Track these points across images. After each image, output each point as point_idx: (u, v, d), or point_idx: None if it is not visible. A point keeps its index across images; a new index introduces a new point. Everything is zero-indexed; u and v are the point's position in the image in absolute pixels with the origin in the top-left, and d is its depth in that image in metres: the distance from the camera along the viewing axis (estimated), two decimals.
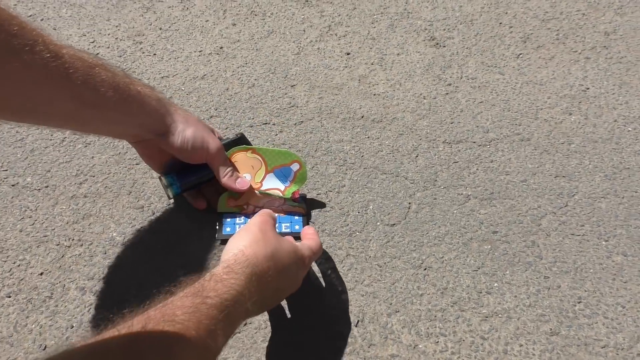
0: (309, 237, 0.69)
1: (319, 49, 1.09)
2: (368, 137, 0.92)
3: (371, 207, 0.82)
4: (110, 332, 0.40)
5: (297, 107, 0.97)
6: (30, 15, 1.13)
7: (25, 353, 0.65)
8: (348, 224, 0.80)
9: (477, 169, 0.87)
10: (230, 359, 0.66)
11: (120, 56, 1.05)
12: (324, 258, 0.76)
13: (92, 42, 1.08)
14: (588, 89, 1.00)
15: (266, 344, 0.68)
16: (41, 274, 0.74)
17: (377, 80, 1.02)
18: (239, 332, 0.69)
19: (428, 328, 0.70)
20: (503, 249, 0.78)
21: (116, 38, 1.09)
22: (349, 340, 0.68)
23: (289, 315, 0.70)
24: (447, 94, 1.00)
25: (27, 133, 0.91)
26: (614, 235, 0.79)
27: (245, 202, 0.78)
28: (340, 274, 0.75)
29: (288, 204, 0.78)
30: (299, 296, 0.72)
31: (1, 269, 0.74)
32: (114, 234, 0.78)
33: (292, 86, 1.01)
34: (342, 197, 0.83)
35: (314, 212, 0.81)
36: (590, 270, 0.75)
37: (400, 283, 0.74)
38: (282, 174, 0.78)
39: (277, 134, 0.92)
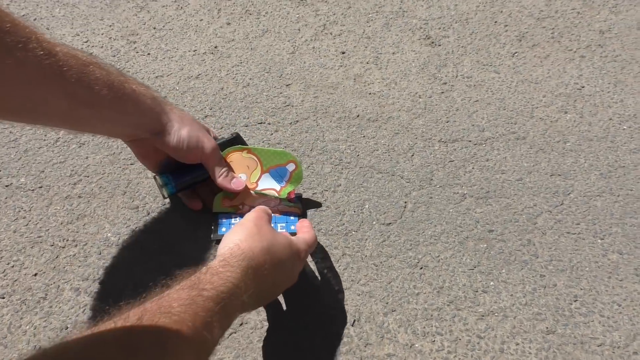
0: (304, 230, 0.69)
1: (314, 48, 1.08)
2: (364, 136, 0.92)
3: (367, 206, 0.82)
4: (107, 324, 0.40)
5: (293, 106, 0.97)
6: (23, 15, 1.12)
7: (20, 354, 0.65)
8: (344, 223, 0.80)
9: (473, 168, 0.87)
10: (226, 359, 0.66)
11: (114, 56, 1.05)
12: (320, 257, 0.76)
13: (86, 42, 1.07)
14: (583, 87, 1.01)
15: (262, 344, 0.67)
16: (35, 274, 0.73)
17: (372, 79, 1.02)
18: (235, 332, 0.68)
19: (424, 327, 0.69)
20: (499, 248, 0.77)
21: (110, 38, 1.09)
22: (346, 339, 0.68)
23: (285, 315, 0.70)
24: (442, 92, 1.00)
25: (21, 133, 0.90)
26: (610, 234, 0.79)
27: (241, 202, 0.77)
28: (337, 273, 0.74)
29: (284, 204, 0.78)
30: (296, 296, 0.72)
31: None
32: (109, 235, 0.78)
33: (287, 85, 1.00)
34: (338, 197, 0.83)
35: (310, 212, 0.81)
36: (586, 269, 0.75)
37: (396, 282, 0.74)
38: (278, 174, 0.77)
39: (272, 134, 0.92)
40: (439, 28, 1.13)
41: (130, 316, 0.41)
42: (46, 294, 0.71)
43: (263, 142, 0.90)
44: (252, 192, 0.77)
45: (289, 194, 0.77)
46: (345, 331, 0.69)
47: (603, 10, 1.16)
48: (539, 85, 1.01)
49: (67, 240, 0.77)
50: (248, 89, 0.99)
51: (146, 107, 0.65)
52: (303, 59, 1.06)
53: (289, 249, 0.61)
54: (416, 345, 0.68)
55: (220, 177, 0.73)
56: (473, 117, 0.95)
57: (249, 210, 0.76)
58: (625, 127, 0.93)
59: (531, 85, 1.01)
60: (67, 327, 0.68)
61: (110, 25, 1.11)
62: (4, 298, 0.70)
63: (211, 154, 0.71)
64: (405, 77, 1.02)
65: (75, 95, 0.57)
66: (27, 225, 0.78)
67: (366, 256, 0.76)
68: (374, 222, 0.80)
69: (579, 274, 0.75)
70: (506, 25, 1.13)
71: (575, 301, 0.72)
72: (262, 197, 0.78)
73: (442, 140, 0.91)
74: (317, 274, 0.74)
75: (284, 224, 0.77)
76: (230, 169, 0.75)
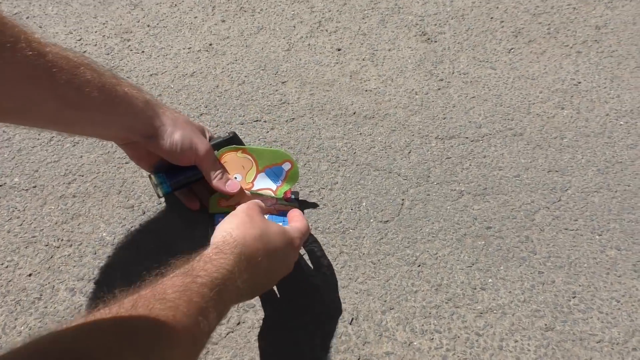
0: (296, 219, 0.69)
1: (309, 45, 1.08)
2: (360, 134, 0.91)
3: (364, 204, 0.81)
4: (101, 312, 0.40)
5: (288, 104, 0.96)
6: (15, 13, 1.11)
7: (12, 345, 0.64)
8: (341, 221, 0.79)
9: (470, 165, 0.87)
10: (223, 359, 0.66)
11: (108, 54, 1.04)
12: (318, 255, 0.75)
13: (79, 40, 1.06)
14: (580, 83, 1.00)
15: (260, 343, 0.67)
16: (30, 275, 0.72)
17: (368, 76, 1.02)
18: (232, 332, 0.68)
19: (423, 325, 0.69)
20: (497, 245, 0.77)
21: (103, 36, 1.08)
22: (344, 338, 0.68)
23: (283, 314, 0.70)
24: (439, 89, 0.99)
25: (14, 132, 0.89)
26: (608, 230, 0.79)
27: (237, 203, 0.76)
28: (334, 271, 0.74)
29: (280, 203, 0.77)
30: (293, 294, 0.71)
31: None
32: (104, 234, 0.77)
33: (282, 83, 1.00)
34: (335, 195, 0.82)
35: (307, 211, 0.80)
36: (584, 265, 0.75)
37: (394, 280, 0.73)
38: (274, 174, 0.77)
39: (268, 131, 0.91)
40: (435, 24, 1.12)
41: (125, 303, 0.42)
42: (41, 295, 0.71)
43: (259, 140, 0.90)
44: (247, 192, 0.76)
45: (285, 193, 0.76)
46: (343, 329, 0.69)
47: (599, 6, 1.16)
48: (535, 81, 1.01)
49: (62, 240, 0.76)
50: (243, 86, 0.99)
51: (138, 110, 0.64)
52: (299, 56, 1.05)
53: (282, 237, 0.61)
54: (414, 343, 0.68)
55: (215, 180, 0.72)
56: (470, 114, 0.95)
57: None
58: (622, 123, 0.93)
59: (528, 81, 1.01)
60: None
61: (103, 23, 1.10)
62: None
63: (205, 156, 0.70)
64: (402, 73, 1.02)
65: (64, 96, 0.56)
66: (21, 225, 0.77)
67: (364, 254, 0.76)
68: (372, 220, 0.80)
69: (577, 271, 0.75)
70: (502, 21, 1.13)
71: (573, 298, 0.72)
72: (258, 197, 0.77)
73: (439, 137, 0.91)
74: (314, 272, 0.74)
75: (281, 223, 0.76)
76: (225, 171, 0.74)
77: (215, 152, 0.74)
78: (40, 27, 1.08)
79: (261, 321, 0.69)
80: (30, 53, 0.51)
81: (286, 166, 0.76)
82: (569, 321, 0.70)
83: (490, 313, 0.70)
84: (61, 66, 0.54)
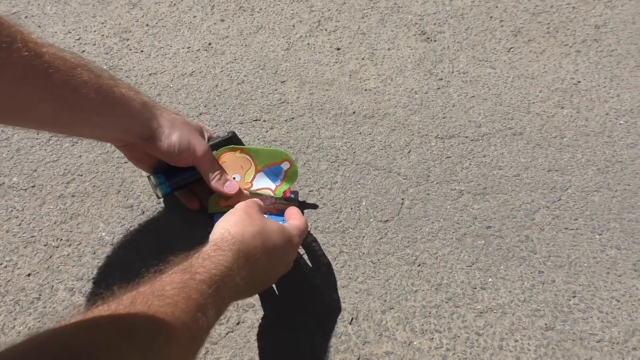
0: (294, 217, 0.69)
1: (309, 44, 1.07)
2: (360, 133, 0.91)
3: (364, 203, 0.81)
4: (100, 309, 0.40)
5: (288, 103, 0.96)
6: (14, 13, 1.11)
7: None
8: (341, 221, 0.79)
9: (470, 164, 0.87)
10: (223, 358, 0.66)
11: (107, 53, 1.03)
12: (318, 254, 0.75)
13: (78, 40, 1.06)
14: (579, 82, 1.00)
15: (259, 343, 0.67)
16: (29, 275, 0.72)
17: (368, 75, 1.01)
18: (232, 332, 0.68)
19: (423, 325, 0.69)
20: (497, 244, 0.77)
21: (102, 35, 1.08)
22: (344, 337, 0.68)
23: (282, 314, 0.70)
24: (438, 88, 0.99)
25: (13, 132, 0.89)
26: (608, 229, 0.79)
27: (236, 203, 0.76)
28: (334, 271, 0.74)
29: (279, 203, 0.77)
30: (293, 294, 0.71)
31: None
32: (103, 234, 0.77)
33: (282, 82, 1.00)
34: (335, 194, 0.82)
35: (307, 210, 0.80)
36: (585, 264, 0.75)
37: (394, 280, 0.73)
38: (273, 173, 0.76)
39: (267, 131, 0.91)
40: (435, 23, 1.12)
41: (123, 300, 0.41)
42: (40, 295, 0.70)
43: (258, 139, 0.90)
44: (246, 192, 0.76)
45: (284, 192, 0.76)
46: (343, 329, 0.68)
47: (598, 5, 1.16)
48: (535, 80, 1.01)
49: (61, 239, 0.76)
50: (243, 86, 0.99)
51: (135, 112, 0.64)
52: (298, 56, 1.05)
53: (281, 234, 0.61)
54: (414, 342, 0.67)
55: (214, 181, 0.71)
56: (469, 113, 0.95)
57: None
58: (622, 122, 0.93)
59: (527, 81, 1.01)
60: None
61: (102, 23, 1.10)
62: None
63: (203, 157, 0.70)
64: (401, 73, 1.02)
65: (61, 98, 0.55)
66: (19, 225, 0.77)
67: (363, 254, 0.76)
68: (371, 220, 0.79)
69: (578, 270, 0.75)
70: (501, 21, 1.13)
71: (573, 297, 0.72)
72: (258, 197, 0.77)
73: (439, 136, 0.91)
74: (314, 271, 0.74)
75: (280, 222, 0.76)
76: (223, 172, 0.73)
77: (214, 152, 0.74)
78: (39, 26, 1.08)
79: (261, 321, 0.69)
80: (27, 54, 0.50)
81: (285, 165, 0.76)
82: (569, 321, 0.70)
83: (490, 312, 0.70)
84: (58, 67, 0.54)
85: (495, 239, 0.78)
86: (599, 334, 0.68)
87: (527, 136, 0.91)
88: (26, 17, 1.10)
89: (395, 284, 0.73)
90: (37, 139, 0.88)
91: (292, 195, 0.78)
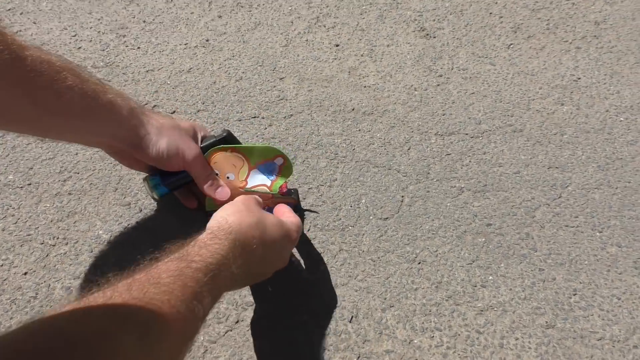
0: (287, 215, 0.69)
1: (307, 40, 1.07)
2: (359, 130, 0.90)
3: (364, 201, 0.81)
4: (95, 295, 0.40)
5: (287, 100, 0.95)
6: (9, 10, 1.10)
7: None
8: (340, 219, 0.79)
9: (470, 161, 0.86)
10: (222, 357, 0.65)
11: (104, 50, 1.03)
12: (317, 253, 0.75)
13: (74, 36, 1.05)
14: (579, 79, 1.00)
15: (259, 341, 0.66)
16: (25, 273, 0.71)
17: (367, 72, 1.01)
18: (231, 330, 0.67)
19: (423, 323, 0.69)
20: (497, 242, 0.77)
21: (99, 32, 1.07)
22: (343, 336, 0.67)
23: (282, 312, 0.69)
24: (438, 85, 0.98)
25: None
26: (608, 226, 0.79)
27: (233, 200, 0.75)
28: (334, 269, 0.73)
29: (277, 198, 0.76)
30: (292, 292, 0.71)
31: None
32: (100, 232, 0.76)
33: (280, 79, 0.99)
34: (334, 192, 0.82)
35: (306, 209, 0.80)
36: (585, 262, 0.75)
37: (394, 277, 0.73)
38: (267, 169, 0.75)
39: (266, 128, 0.90)
40: (434, 20, 1.11)
41: (119, 287, 0.41)
42: (37, 293, 0.70)
43: (257, 136, 0.89)
44: (242, 190, 0.75)
45: (280, 187, 0.75)
46: (343, 328, 0.68)
47: (598, 1, 1.15)
48: (535, 77, 1.00)
49: (58, 238, 0.75)
50: (241, 82, 0.98)
51: (122, 118, 0.62)
52: (296, 52, 1.04)
53: (279, 228, 0.61)
54: (415, 341, 0.67)
55: (206, 186, 0.71)
56: (469, 110, 0.94)
57: None
58: (622, 119, 0.93)
59: (527, 77, 1.00)
60: None
61: (99, 19, 1.09)
62: None
63: (193, 162, 0.69)
64: (401, 69, 1.01)
65: (44, 102, 0.54)
66: (15, 223, 0.76)
67: (363, 251, 0.75)
68: (371, 217, 0.79)
69: (578, 268, 0.74)
70: (501, 17, 1.12)
71: (574, 295, 0.72)
72: (254, 194, 0.76)
73: (439, 133, 0.90)
74: (313, 270, 0.73)
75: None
76: (215, 175, 0.72)
77: (205, 153, 0.72)
78: (35, 22, 1.07)
79: (260, 319, 0.68)
80: (8, 57, 0.49)
81: (279, 161, 0.74)
82: (570, 319, 0.69)
83: (491, 310, 0.70)
84: (41, 71, 0.53)
85: (496, 237, 0.77)
86: (599, 331, 0.68)
87: (527, 133, 0.91)
88: (21, 13, 1.09)
89: (395, 282, 0.72)
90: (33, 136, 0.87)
91: (292, 191, 0.78)
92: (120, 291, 0.40)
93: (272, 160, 0.74)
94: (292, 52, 1.04)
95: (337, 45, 1.06)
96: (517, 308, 0.70)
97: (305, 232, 0.77)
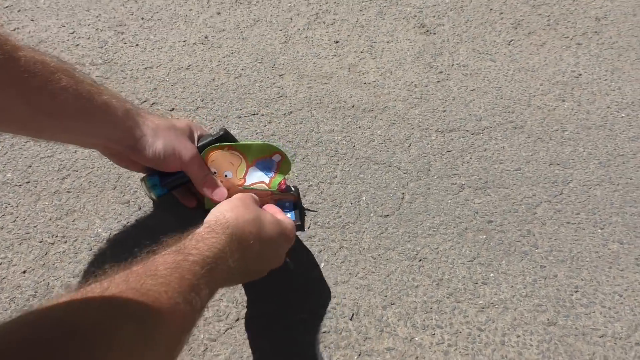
0: (280, 215, 0.68)
1: (306, 37, 1.06)
2: (359, 127, 0.90)
3: (364, 198, 0.80)
4: (92, 287, 0.40)
5: (286, 97, 0.95)
6: (6, 7, 1.09)
7: None
8: (341, 216, 0.78)
9: (471, 158, 0.86)
10: (222, 355, 0.65)
11: (102, 47, 1.02)
12: (317, 251, 0.74)
13: (72, 33, 1.04)
14: (580, 75, 0.99)
15: (259, 339, 0.66)
16: (24, 272, 0.71)
17: (367, 68, 1.00)
18: (231, 328, 0.67)
19: (424, 320, 0.68)
20: (498, 239, 0.76)
21: (97, 29, 1.06)
22: (344, 334, 0.67)
23: (282, 310, 0.69)
24: (438, 81, 0.98)
25: None
26: (610, 223, 0.78)
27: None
28: (334, 266, 0.73)
29: (276, 194, 0.76)
30: (292, 290, 0.70)
31: None
32: (100, 230, 0.76)
33: (280, 76, 0.98)
34: (334, 189, 0.81)
35: (306, 207, 0.79)
36: (587, 259, 0.75)
37: (395, 275, 0.72)
38: (265, 166, 0.75)
39: (265, 125, 0.90)
40: (434, 16, 1.11)
41: (116, 278, 0.41)
42: (36, 292, 0.69)
43: (256, 134, 0.89)
44: (240, 188, 0.74)
45: (279, 184, 0.74)
46: (344, 325, 0.68)
47: None
48: (535, 73, 1.00)
49: (57, 236, 0.75)
50: (240, 79, 0.97)
51: (117, 119, 0.62)
52: (296, 49, 1.04)
53: (276, 226, 0.62)
54: (416, 338, 0.67)
55: (203, 187, 0.71)
56: (470, 107, 0.94)
57: None
58: (623, 115, 0.93)
59: (528, 74, 1.00)
60: None
61: (96, 16, 1.08)
62: None
63: (189, 163, 0.68)
64: (401, 66, 1.01)
65: (37, 103, 0.54)
66: (14, 221, 0.76)
67: (364, 249, 0.75)
68: (372, 214, 0.79)
69: (580, 265, 0.74)
70: (501, 13, 1.12)
71: (576, 292, 0.71)
72: (253, 192, 0.75)
73: (439, 130, 0.90)
74: (313, 267, 0.73)
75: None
76: (212, 174, 0.72)
77: (201, 155, 0.72)
78: (32, 20, 1.06)
79: (260, 317, 0.68)
80: (1, 57, 0.49)
81: (276, 158, 0.74)
82: (572, 316, 0.69)
83: (492, 308, 0.70)
84: (35, 72, 0.52)
85: (497, 234, 0.77)
86: (601, 329, 0.68)
87: (528, 130, 0.90)
88: (19, 10, 1.08)
89: (396, 280, 0.72)
90: None
91: (293, 189, 0.77)
92: (117, 282, 0.40)
93: (269, 157, 0.74)
94: (292, 48, 1.04)
95: (337, 42, 1.05)
96: (519, 305, 0.70)
97: (305, 229, 0.77)
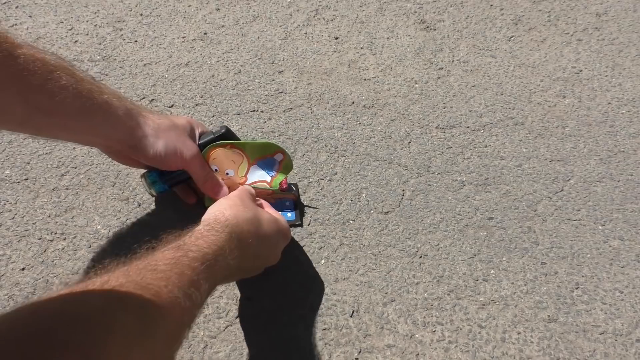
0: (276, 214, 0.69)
1: (306, 33, 1.06)
2: (359, 124, 0.90)
3: (364, 194, 0.80)
4: (93, 280, 0.40)
5: (286, 93, 0.94)
6: (4, 3, 1.08)
7: None
8: (341, 213, 0.78)
9: (472, 154, 0.86)
10: (222, 352, 0.64)
11: (100, 43, 1.01)
12: (317, 248, 0.74)
13: (70, 30, 1.04)
14: (581, 71, 0.99)
15: (259, 336, 0.66)
16: (23, 269, 0.71)
17: (367, 65, 1.00)
18: (231, 325, 0.67)
19: (425, 317, 0.68)
20: (499, 235, 0.76)
21: (95, 25, 1.05)
22: (345, 330, 0.67)
23: (282, 307, 0.68)
24: (439, 78, 0.98)
25: None
26: (611, 220, 0.78)
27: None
28: (334, 263, 0.73)
29: (277, 193, 0.75)
30: (292, 287, 0.70)
31: None
32: (99, 227, 0.75)
33: (279, 72, 0.98)
34: (335, 185, 0.81)
35: (306, 204, 0.79)
36: (587, 256, 0.74)
37: (395, 272, 0.72)
38: (266, 165, 0.74)
39: (265, 122, 0.89)
40: (434, 12, 1.10)
41: (116, 272, 0.41)
42: (35, 289, 0.69)
43: (256, 130, 0.88)
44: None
45: (280, 183, 0.74)
46: (344, 322, 0.67)
47: None
48: (536, 69, 0.99)
49: (56, 233, 0.74)
50: (239, 76, 0.97)
51: (118, 119, 0.62)
52: (296, 45, 1.03)
53: (274, 224, 0.62)
54: (416, 335, 0.67)
55: (205, 186, 0.70)
56: (470, 103, 0.93)
57: None
58: (624, 111, 0.92)
59: (528, 70, 0.99)
60: None
61: (95, 12, 1.08)
62: None
63: (191, 162, 0.68)
64: (401, 62, 1.00)
65: (35, 102, 0.53)
66: (13, 218, 0.76)
67: (364, 246, 0.75)
68: (372, 211, 0.78)
69: (580, 261, 0.74)
70: (502, 9, 1.11)
71: (576, 289, 0.71)
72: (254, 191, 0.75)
73: (440, 126, 0.90)
74: (314, 264, 0.73)
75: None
76: (213, 173, 0.72)
77: (203, 150, 0.71)
78: (30, 16, 1.06)
79: (260, 314, 0.68)
80: (0, 55, 0.49)
81: (278, 157, 0.74)
82: (572, 312, 0.69)
83: (493, 305, 0.69)
84: (34, 70, 0.52)
85: (498, 230, 0.77)
86: (602, 325, 0.68)
87: (529, 126, 0.90)
88: (17, 7, 1.08)
89: (397, 276, 0.72)
90: None
91: (293, 187, 0.77)
92: (117, 276, 0.41)
93: (271, 157, 0.73)
94: (291, 45, 1.03)
95: (337, 38, 1.05)
96: (519, 302, 0.70)
97: (305, 226, 0.77)
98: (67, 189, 0.79)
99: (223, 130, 0.72)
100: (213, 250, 0.50)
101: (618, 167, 0.85)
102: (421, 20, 1.09)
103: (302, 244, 0.75)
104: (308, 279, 0.71)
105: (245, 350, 0.64)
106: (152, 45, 1.02)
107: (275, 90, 0.94)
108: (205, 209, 0.74)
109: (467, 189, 0.81)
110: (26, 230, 0.74)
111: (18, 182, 0.80)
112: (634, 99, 0.94)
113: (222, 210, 0.57)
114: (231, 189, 0.71)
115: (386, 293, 0.70)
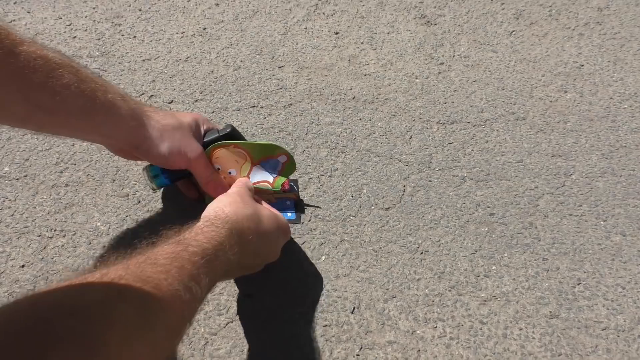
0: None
1: (306, 28, 1.05)
2: (360, 119, 0.89)
3: (365, 190, 0.80)
4: (92, 273, 0.40)
5: (286, 89, 0.94)
6: None
7: None
8: (342, 209, 0.78)
9: (473, 150, 0.85)
10: (223, 349, 0.64)
11: (99, 39, 1.01)
12: (318, 244, 0.74)
13: (69, 25, 1.03)
14: (582, 65, 0.99)
15: (260, 333, 0.66)
16: (22, 266, 0.71)
17: (367, 60, 0.99)
18: (232, 322, 0.66)
19: (426, 313, 0.68)
20: (500, 231, 0.76)
21: (94, 20, 1.05)
22: (345, 327, 0.66)
23: (283, 304, 0.68)
24: (439, 73, 0.97)
25: None
26: (612, 215, 0.78)
27: None
28: (335, 259, 0.72)
29: (278, 194, 0.75)
30: (293, 284, 0.70)
31: None
32: (98, 224, 0.75)
33: (279, 67, 0.97)
34: (335, 181, 0.81)
35: (306, 201, 0.79)
36: (589, 251, 0.74)
37: (396, 268, 0.72)
38: (269, 166, 0.74)
39: (265, 117, 0.89)
40: (435, 7, 1.10)
41: (116, 266, 0.41)
42: (34, 286, 0.69)
43: (256, 126, 0.88)
44: None
45: (282, 185, 0.73)
46: (345, 319, 0.67)
47: None
48: (537, 64, 0.99)
49: (55, 230, 0.74)
50: (239, 71, 0.96)
51: (121, 119, 0.61)
52: (295, 40, 1.02)
53: (274, 221, 0.62)
54: (418, 331, 0.66)
55: (208, 186, 0.70)
56: (471, 98, 0.93)
57: None
58: (626, 106, 0.92)
59: (530, 65, 0.99)
60: None
61: (93, 8, 1.07)
62: None
63: (195, 162, 0.68)
64: (401, 57, 1.00)
65: (37, 100, 0.53)
66: (12, 215, 0.75)
67: (365, 242, 0.74)
68: (373, 207, 0.78)
69: (582, 257, 0.74)
70: (503, 3, 1.11)
71: (578, 284, 0.71)
72: (256, 191, 0.75)
73: (441, 122, 0.89)
74: (314, 260, 0.72)
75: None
76: (217, 173, 0.71)
77: (207, 149, 0.71)
78: (29, 12, 1.05)
79: (261, 311, 0.67)
80: (0, 52, 0.48)
81: (282, 159, 0.73)
82: (574, 308, 0.69)
83: (494, 301, 0.69)
84: (35, 67, 0.51)
85: (499, 226, 0.76)
86: (604, 321, 0.68)
87: (530, 121, 0.90)
88: (15, 2, 1.07)
89: (398, 273, 0.71)
90: None
91: (295, 188, 0.77)
92: (117, 269, 0.40)
93: (275, 158, 0.73)
94: (291, 40, 1.03)
95: (337, 33, 1.04)
96: (521, 298, 0.69)
97: (306, 222, 0.76)
98: (67, 185, 0.79)
99: (228, 130, 0.72)
100: (213, 245, 0.50)
101: (620, 162, 0.84)
102: (422, 15, 1.08)
103: (302, 240, 0.74)
104: (309, 276, 0.71)
105: (246, 347, 0.64)
106: (151, 41, 1.01)
107: (275, 86, 0.94)
108: (205, 205, 0.74)
109: (468, 184, 0.81)
110: (26, 227, 0.74)
111: (17, 179, 0.79)
112: (636, 94, 0.93)
113: (222, 207, 0.57)
114: None
115: (387, 289, 0.70)
